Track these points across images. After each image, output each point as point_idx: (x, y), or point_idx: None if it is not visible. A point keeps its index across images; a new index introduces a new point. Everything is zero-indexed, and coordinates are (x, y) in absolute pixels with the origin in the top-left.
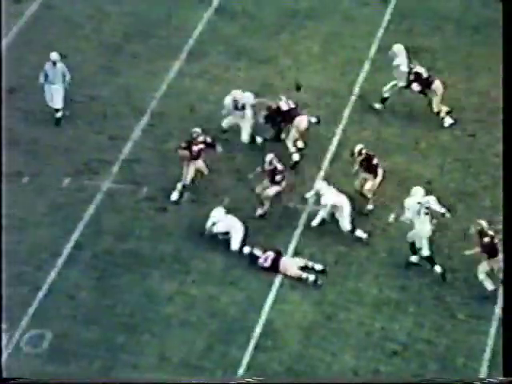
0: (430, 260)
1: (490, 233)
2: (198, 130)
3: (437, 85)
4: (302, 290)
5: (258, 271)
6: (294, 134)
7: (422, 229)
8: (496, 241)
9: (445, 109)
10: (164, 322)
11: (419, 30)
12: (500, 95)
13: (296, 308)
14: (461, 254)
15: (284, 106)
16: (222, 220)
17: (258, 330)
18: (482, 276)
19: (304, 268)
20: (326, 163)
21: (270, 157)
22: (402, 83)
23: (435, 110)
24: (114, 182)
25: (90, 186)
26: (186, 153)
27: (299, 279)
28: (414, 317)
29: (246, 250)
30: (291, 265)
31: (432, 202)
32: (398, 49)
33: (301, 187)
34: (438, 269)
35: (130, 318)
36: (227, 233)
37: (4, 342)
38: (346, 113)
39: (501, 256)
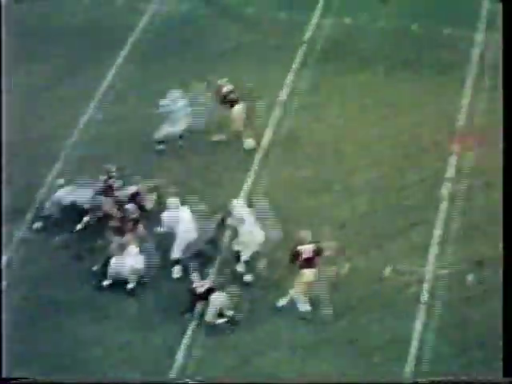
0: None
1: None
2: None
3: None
4: (217, 335)
5: (174, 316)
6: None
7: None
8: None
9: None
10: (90, 376)
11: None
12: (413, 137)
13: (210, 354)
14: (375, 296)
15: None
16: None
17: (172, 375)
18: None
19: (221, 315)
20: None
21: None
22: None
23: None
24: (29, 230)
25: (4, 234)
26: None
27: (214, 321)
28: (329, 360)
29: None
30: (220, 302)
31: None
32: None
33: None
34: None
35: (45, 366)
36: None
37: None
38: (258, 156)
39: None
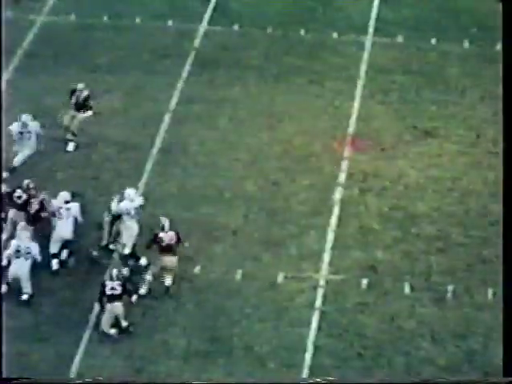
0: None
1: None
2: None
3: None
4: (112, 344)
5: (67, 327)
6: None
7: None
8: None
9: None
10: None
11: (220, 80)
12: (303, 143)
13: (105, 362)
14: (269, 303)
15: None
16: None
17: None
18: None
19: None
20: None
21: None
22: None
23: None
24: None
25: None
26: None
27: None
28: (224, 368)
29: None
30: (119, 311)
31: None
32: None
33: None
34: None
35: None
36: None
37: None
38: (149, 166)
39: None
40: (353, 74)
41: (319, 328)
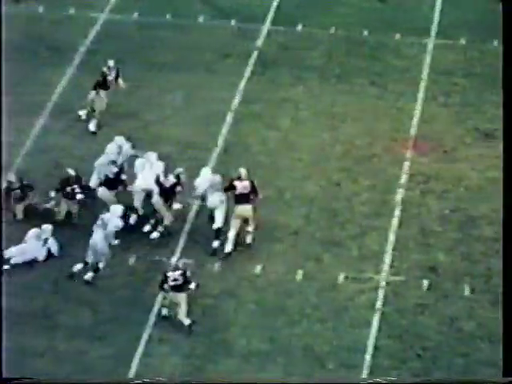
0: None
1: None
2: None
3: None
4: (171, 343)
5: (127, 326)
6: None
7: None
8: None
9: None
10: (34, 378)
11: (282, 80)
12: (365, 144)
13: (165, 361)
14: (329, 303)
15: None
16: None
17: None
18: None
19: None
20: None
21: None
22: None
23: None
24: None
25: None
26: None
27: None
28: (283, 367)
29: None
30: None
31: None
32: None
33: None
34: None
35: None
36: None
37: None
38: (211, 165)
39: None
40: (415, 76)
41: (379, 329)
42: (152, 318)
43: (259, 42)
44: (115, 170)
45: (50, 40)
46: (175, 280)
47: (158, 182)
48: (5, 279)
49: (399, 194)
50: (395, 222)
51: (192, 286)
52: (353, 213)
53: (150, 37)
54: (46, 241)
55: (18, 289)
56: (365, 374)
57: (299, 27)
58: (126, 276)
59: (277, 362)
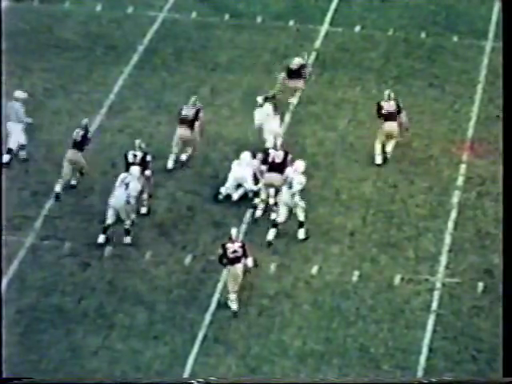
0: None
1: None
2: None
3: None
4: (226, 343)
5: (182, 325)
6: None
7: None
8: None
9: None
10: (89, 377)
11: (340, 81)
12: (422, 146)
13: (220, 361)
14: (385, 304)
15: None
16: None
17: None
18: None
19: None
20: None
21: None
22: None
23: None
24: (37, 238)
25: (12, 242)
26: None
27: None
28: (338, 368)
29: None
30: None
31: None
32: None
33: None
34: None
35: (54, 374)
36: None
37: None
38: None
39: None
40: (472, 78)
41: (434, 330)
42: (207, 318)
43: (317, 44)
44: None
45: (107, 39)
46: (235, 252)
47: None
48: (58, 279)
49: (455, 196)
50: (451, 224)
51: (249, 261)
52: (409, 214)
53: (209, 36)
54: (127, 186)
55: (71, 288)
56: (420, 375)
57: (357, 28)
58: (181, 275)
59: (332, 363)
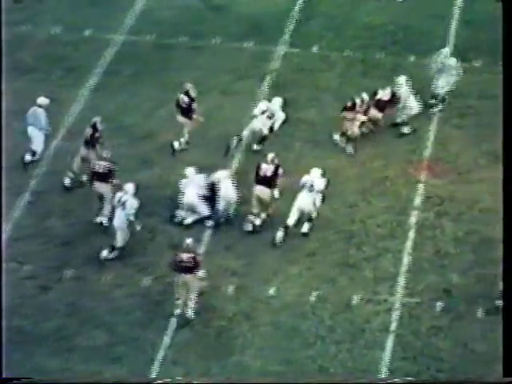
0: None
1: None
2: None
3: None
4: (185, 364)
5: (141, 347)
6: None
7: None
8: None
9: None
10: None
11: (297, 101)
12: (380, 166)
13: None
14: (344, 325)
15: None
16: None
17: None
18: None
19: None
20: None
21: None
22: None
23: None
24: None
25: None
26: None
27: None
28: None
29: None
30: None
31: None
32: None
33: None
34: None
35: None
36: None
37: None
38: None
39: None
40: (429, 98)
41: (394, 351)
42: (167, 340)
43: (275, 64)
44: None
45: (66, 62)
46: (182, 262)
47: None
48: (18, 302)
49: (414, 216)
50: (410, 243)
51: (201, 273)
52: (368, 235)
53: (167, 58)
54: (124, 205)
55: (31, 311)
56: None
57: (314, 49)
58: (140, 297)
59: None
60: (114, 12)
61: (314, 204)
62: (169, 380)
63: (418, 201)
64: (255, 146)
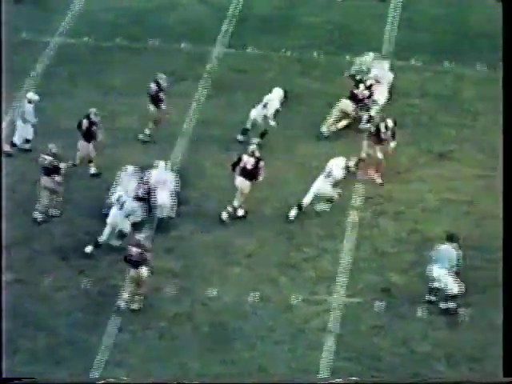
0: None
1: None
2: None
3: None
4: (127, 366)
5: (83, 349)
6: None
7: None
8: None
9: None
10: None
11: (236, 102)
12: (319, 166)
13: None
14: (284, 325)
15: None
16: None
17: None
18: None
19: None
20: None
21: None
22: None
23: None
24: None
25: None
26: None
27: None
28: None
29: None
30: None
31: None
32: None
33: None
34: None
35: None
36: None
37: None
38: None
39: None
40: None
41: (335, 351)
42: (108, 342)
43: (212, 65)
44: None
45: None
46: (131, 256)
47: None
48: None
49: (352, 216)
50: (349, 243)
51: (144, 269)
52: (308, 235)
53: (103, 60)
54: (122, 206)
55: None
56: None
57: (252, 49)
58: (82, 299)
59: None
60: (52, 14)
61: (330, 188)
62: (112, 380)
63: (356, 200)
64: (255, 140)
